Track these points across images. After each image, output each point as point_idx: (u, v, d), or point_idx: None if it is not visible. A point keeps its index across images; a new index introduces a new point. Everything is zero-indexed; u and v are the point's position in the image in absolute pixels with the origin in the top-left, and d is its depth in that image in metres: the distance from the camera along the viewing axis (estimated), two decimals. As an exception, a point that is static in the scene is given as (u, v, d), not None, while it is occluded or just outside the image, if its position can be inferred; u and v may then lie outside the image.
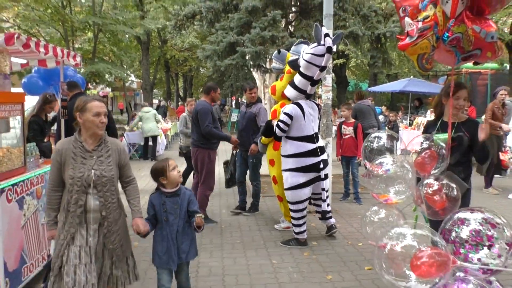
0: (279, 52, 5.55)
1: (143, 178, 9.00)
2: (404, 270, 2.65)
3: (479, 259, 2.43)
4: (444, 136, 3.48)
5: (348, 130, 7.18)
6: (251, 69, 9.58)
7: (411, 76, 15.99)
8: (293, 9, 9.53)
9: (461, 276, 2.53)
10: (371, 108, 8.82)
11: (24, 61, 4.82)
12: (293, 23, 9.92)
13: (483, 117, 10.26)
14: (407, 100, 16.97)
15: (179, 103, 31.85)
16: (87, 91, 16.51)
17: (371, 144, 3.79)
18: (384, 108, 16.38)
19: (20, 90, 6.72)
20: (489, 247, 2.42)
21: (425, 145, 3.51)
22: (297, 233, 5.11)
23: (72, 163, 2.83)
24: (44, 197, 4.11)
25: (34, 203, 3.98)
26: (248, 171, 6.60)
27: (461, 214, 2.63)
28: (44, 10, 14.60)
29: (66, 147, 2.88)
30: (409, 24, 3.06)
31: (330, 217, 5.41)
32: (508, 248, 2.41)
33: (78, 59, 4.79)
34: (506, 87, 9.30)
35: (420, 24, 3.03)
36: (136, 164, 11.24)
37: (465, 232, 2.52)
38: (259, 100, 6.56)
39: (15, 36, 3.39)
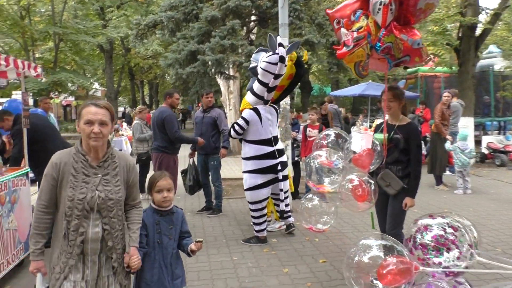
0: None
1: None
2: (371, 280, 2.80)
3: (440, 263, 2.57)
4: (381, 136, 3.83)
5: (313, 133, 7.49)
6: (216, 76, 9.83)
7: (370, 81, 16.59)
8: (253, 18, 9.86)
9: (430, 280, 2.64)
10: (336, 111, 9.99)
11: (-15, 73, 4.91)
12: (253, 32, 10.24)
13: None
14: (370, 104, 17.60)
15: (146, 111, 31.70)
16: (51, 100, 16.31)
17: (321, 141, 4.31)
18: (343, 110, 16.94)
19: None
20: (452, 250, 2.57)
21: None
22: (257, 231, 5.38)
23: (72, 180, 2.36)
24: (8, 204, 4.22)
25: (-2, 210, 4.09)
26: (210, 174, 6.84)
27: (425, 221, 2.78)
28: (3, 21, 14.43)
29: (65, 161, 2.39)
30: (345, 34, 3.34)
31: (289, 216, 5.70)
32: (469, 249, 2.56)
33: (39, 70, 4.92)
34: (454, 90, 9.94)
35: (355, 34, 3.33)
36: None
37: (428, 238, 2.65)
38: (215, 105, 6.83)
39: (-23, 49, 3.51)
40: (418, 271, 2.59)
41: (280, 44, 4.89)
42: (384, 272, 2.59)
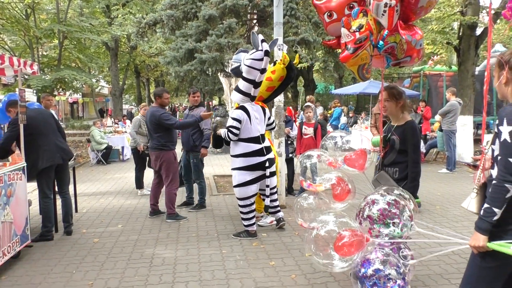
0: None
1: (108, 181, 9.32)
2: (329, 252, 3.09)
3: (387, 234, 2.87)
4: (377, 138, 3.81)
5: (308, 130, 7.60)
6: (218, 74, 9.97)
7: (371, 79, 16.62)
8: (255, 16, 9.98)
9: (377, 247, 2.97)
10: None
11: (-17, 71, 5.07)
12: (254, 31, 10.36)
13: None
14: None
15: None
16: (55, 97, 16.55)
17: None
18: (345, 109, 17.05)
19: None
20: (396, 222, 2.86)
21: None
22: (247, 226, 5.51)
23: None
24: (4, 197, 4.39)
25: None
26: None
27: (372, 196, 3.05)
28: (6, 20, 14.66)
29: None
30: (346, 35, 3.11)
31: (278, 211, 5.83)
32: (410, 221, 2.86)
33: (35, 67, 5.08)
34: (452, 88, 10.03)
35: (357, 35, 3.08)
36: (102, 168, 11.55)
37: (374, 211, 2.93)
38: (201, 104, 6.99)
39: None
40: (369, 242, 2.88)
41: (263, 41, 5.13)
42: (340, 244, 2.85)
